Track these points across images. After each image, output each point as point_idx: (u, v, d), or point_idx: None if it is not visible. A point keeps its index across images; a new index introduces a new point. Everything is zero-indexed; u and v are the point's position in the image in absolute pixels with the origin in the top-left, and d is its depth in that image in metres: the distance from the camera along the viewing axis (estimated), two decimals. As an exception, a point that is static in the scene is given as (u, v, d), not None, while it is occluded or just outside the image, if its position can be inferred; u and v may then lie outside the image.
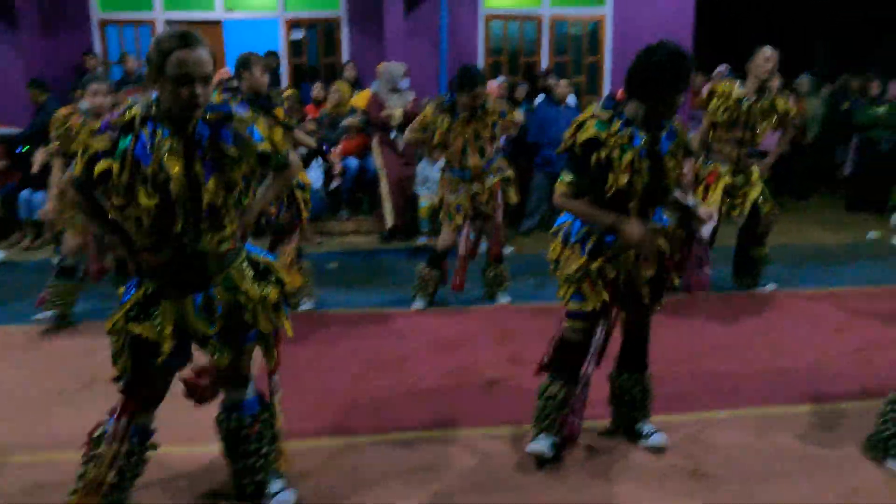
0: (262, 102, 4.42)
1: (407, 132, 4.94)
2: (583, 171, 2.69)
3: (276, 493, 2.57)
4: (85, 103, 4.48)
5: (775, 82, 5.30)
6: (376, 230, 7.28)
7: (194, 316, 2.26)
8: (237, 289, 2.31)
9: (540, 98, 7.69)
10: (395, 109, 6.92)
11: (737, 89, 4.87)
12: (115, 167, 2.12)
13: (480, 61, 8.83)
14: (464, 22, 8.69)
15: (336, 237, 7.30)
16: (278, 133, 2.36)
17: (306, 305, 4.94)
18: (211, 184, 2.17)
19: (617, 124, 2.65)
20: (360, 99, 7.51)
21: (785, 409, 3.44)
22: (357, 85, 7.99)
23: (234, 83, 4.57)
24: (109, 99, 4.44)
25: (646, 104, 2.66)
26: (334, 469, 2.93)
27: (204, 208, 2.18)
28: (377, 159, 7.09)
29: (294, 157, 2.49)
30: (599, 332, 2.85)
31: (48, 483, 2.77)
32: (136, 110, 2.18)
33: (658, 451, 3.03)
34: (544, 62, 8.86)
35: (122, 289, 2.35)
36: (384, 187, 7.00)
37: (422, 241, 7.06)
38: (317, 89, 7.86)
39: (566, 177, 2.75)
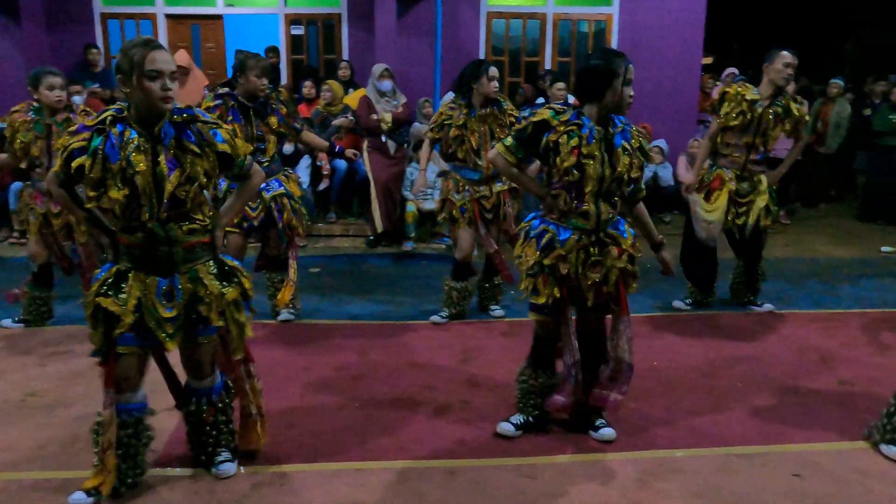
0: (258, 106, 4.26)
1: (427, 132, 4.75)
2: (526, 145, 2.99)
3: (220, 463, 2.86)
4: (78, 98, 4.47)
5: (791, 87, 4.99)
6: (364, 233, 7.11)
7: (155, 296, 2.52)
8: (199, 281, 2.57)
9: (540, 101, 7.42)
10: (384, 114, 6.73)
11: (751, 92, 4.58)
12: (88, 163, 2.43)
13: (482, 61, 8.57)
14: (465, 20, 8.43)
15: (323, 239, 7.14)
16: (240, 141, 2.65)
17: (282, 316, 4.74)
18: (174, 177, 2.45)
19: (568, 115, 2.91)
20: (354, 98, 7.34)
21: (746, 450, 3.17)
22: (351, 84, 7.80)
23: (223, 89, 4.36)
24: (65, 93, 4.44)
25: (595, 104, 2.90)
26: None
27: (166, 199, 2.45)
28: (366, 165, 6.91)
29: (257, 167, 2.74)
30: (564, 325, 3.03)
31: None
32: (110, 113, 2.47)
33: (606, 443, 3.19)
34: (548, 63, 8.58)
35: (96, 271, 2.62)
36: (373, 193, 6.83)
37: (408, 246, 6.87)
38: (307, 88, 7.70)
39: (507, 141, 3.04)
